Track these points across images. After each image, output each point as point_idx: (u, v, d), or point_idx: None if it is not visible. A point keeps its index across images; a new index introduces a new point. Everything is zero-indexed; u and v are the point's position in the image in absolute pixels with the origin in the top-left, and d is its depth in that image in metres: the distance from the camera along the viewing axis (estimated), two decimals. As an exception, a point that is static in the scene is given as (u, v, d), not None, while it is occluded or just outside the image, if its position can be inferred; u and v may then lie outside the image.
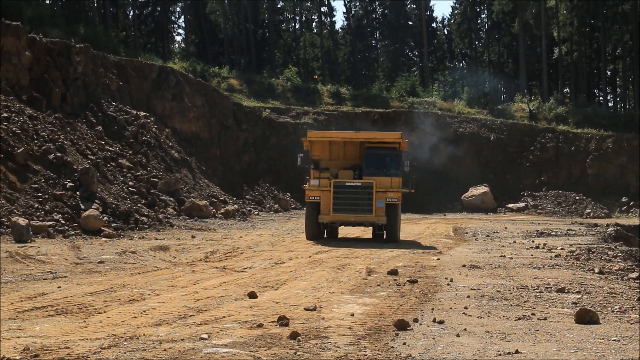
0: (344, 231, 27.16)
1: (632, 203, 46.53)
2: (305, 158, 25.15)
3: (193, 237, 23.85)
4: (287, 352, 7.68)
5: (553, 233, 28.56)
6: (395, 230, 23.50)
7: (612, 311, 10.48)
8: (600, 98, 73.74)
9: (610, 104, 71.21)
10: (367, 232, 27.17)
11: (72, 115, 31.01)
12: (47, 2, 54.27)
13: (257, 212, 38.38)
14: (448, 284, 13.10)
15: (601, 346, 8.24)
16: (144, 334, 8.40)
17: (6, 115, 25.87)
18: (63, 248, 18.59)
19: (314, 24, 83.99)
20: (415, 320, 9.39)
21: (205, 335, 8.34)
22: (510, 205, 47.54)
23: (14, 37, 29.27)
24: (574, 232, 29.18)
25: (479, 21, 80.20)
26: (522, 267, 16.29)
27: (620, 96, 70.78)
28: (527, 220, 38.74)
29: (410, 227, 31.47)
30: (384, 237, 23.79)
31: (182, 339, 8.17)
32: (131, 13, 71.05)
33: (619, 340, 8.53)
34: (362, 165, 23.99)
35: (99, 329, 8.68)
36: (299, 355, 7.58)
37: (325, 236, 24.64)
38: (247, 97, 52.69)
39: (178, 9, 77.06)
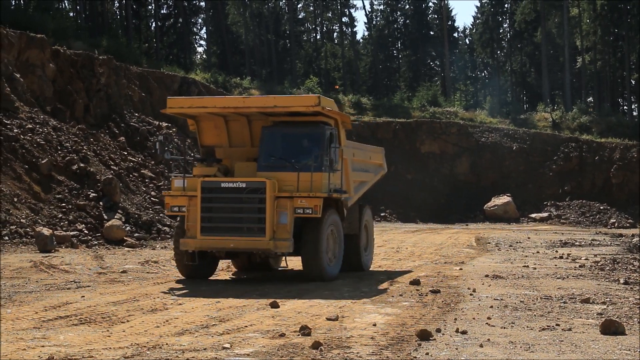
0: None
1: (657, 213, 45.99)
2: (164, 144, 16.59)
3: (215, 247, 23.85)
4: (310, 362, 7.66)
5: (577, 243, 28.29)
6: (317, 260, 14.35)
7: (639, 322, 10.35)
8: (624, 107, 73.07)
9: (634, 113, 70.50)
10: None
11: (95, 126, 31.25)
12: (71, 14, 54.96)
13: (278, 222, 38.34)
14: (471, 294, 13.01)
15: (627, 357, 8.13)
16: (166, 344, 8.42)
17: (30, 126, 26.14)
18: (86, 258, 18.72)
19: (335, 34, 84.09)
20: (438, 331, 9.33)
21: (227, 345, 8.34)
22: (533, 215, 47.16)
23: (38, 49, 29.60)
24: (598, 242, 28.89)
25: (501, 30, 79.85)
26: (546, 277, 16.14)
27: (645, 105, 70.18)
28: (550, 230, 38.44)
29: (432, 237, 31.34)
30: (306, 269, 14.75)
31: (205, 349, 8.18)
32: (153, 25, 71.55)
33: (646, 351, 8.42)
34: (259, 154, 15.02)
35: (122, 338, 8.71)
36: (321, 365, 7.55)
37: (204, 274, 15.40)
38: (268, 107, 52.78)
39: (200, 20, 77.50)
